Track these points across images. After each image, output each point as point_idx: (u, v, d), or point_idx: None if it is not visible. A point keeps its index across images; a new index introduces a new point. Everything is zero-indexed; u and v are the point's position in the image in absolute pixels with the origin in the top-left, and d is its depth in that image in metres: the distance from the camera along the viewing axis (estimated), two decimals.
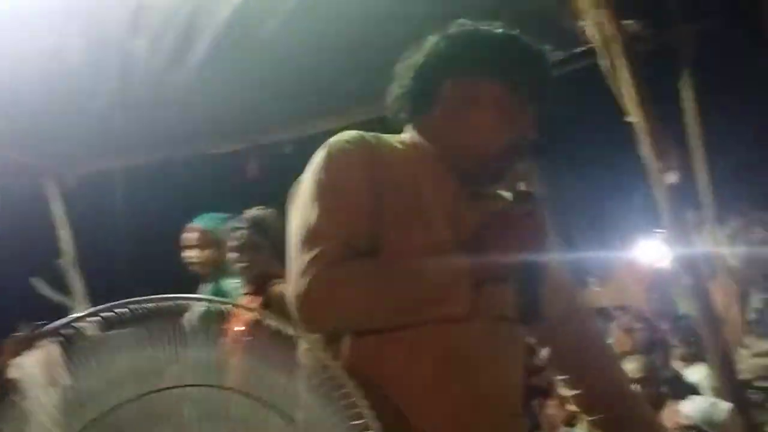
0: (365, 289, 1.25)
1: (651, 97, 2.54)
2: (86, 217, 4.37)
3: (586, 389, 1.50)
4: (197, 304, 1.25)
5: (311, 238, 1.26)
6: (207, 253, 3.39)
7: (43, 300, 3.51)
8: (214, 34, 3.27)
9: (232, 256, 3.03)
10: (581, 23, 3.06)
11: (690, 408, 2.99)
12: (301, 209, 1.31)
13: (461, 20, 1.44)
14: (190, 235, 3.46)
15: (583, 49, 3.01)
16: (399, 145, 1.42)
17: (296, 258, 1.27)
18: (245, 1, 3.04)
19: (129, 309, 1.12)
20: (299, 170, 1.40)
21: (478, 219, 1.33)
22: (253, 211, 3.08)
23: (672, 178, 2.19)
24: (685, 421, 2.96)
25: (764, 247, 4.28)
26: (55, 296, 3.62)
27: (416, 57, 1.43)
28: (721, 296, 4.11)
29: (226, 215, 3.47)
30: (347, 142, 1.35)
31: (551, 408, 4.41)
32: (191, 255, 3.40)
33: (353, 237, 1.28)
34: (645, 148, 2.30)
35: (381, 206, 1.30)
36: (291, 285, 1.27)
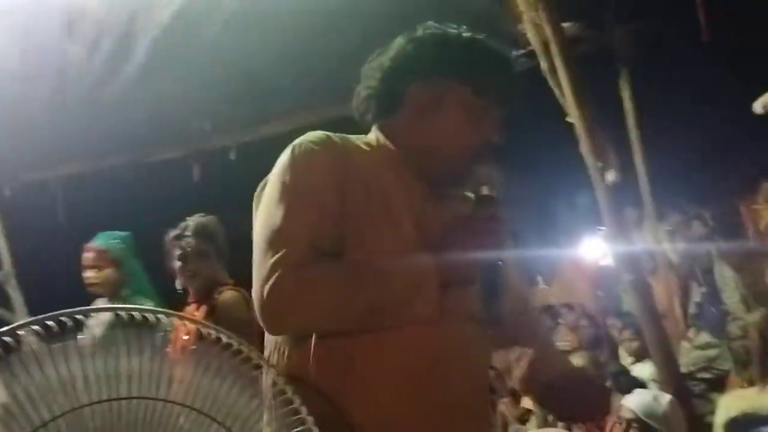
0: (331, 291, 1.23)
1: (590, 98, 2.58)
2: (24, 228, 4.25)
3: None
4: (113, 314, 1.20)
5: (275, 239, 1.24)
6: (106, 273, 3.30)
7: None
8: (152, 39, 3.22)
9: (176, 264, 2.97)
10: (520, 26, 3.11)
11: (632, 401, 3.04)
12: (265, 211, 1.28)
13: (428, 22, 1.42)
14: (87, 255, 3.34)
15: (523, 51, 3.05)
16: (365, 147, 1.39)
17: (260, 260, 1.24)
18: (185, 5, 2.99)
19: (71, 319, 1.07)
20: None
21: (443, 222, 1.33)
22: (196, 218, 3.02)
23: (611, 176, 2.23)
24: (628, 415, 3.01)
25: (703, 242, 4.40)
26: None
27: (382, 59, 1.41)
28: (663, 291, 4.22)
29: (126, 233, 3.38)
30: (312, 142, 1.32)
31: (503, 406, 4.47)
32: (89, 276, 3.30)
33: (318, 238, 1.25)
34: (584, 147, 2.34)
35: (346, 207, 1.28)
36: (255, 287, 1.24)
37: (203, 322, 1.21)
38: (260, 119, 4.09)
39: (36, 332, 1.07)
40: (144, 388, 1.12)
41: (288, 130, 4.11)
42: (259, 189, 1.36)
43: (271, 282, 1.20)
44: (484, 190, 1.35)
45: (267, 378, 1.19)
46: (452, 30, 1.41)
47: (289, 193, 1.27)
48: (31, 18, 2.95)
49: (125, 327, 1.11)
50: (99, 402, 1.10)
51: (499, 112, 1.39)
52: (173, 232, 2.99)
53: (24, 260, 4.34)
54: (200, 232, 2.93)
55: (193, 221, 2.98)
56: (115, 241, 3.34)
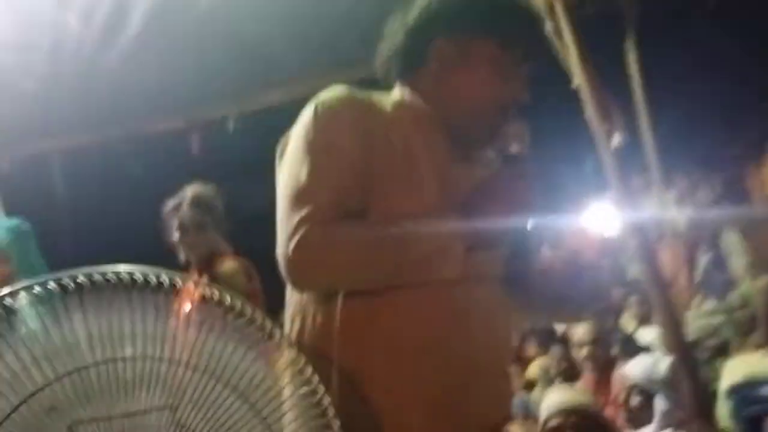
0: (358, 248, 1.23)
1: (595, 61, 2.53)
2: (23, 202, 4.23)
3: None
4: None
5: (301, 197, 1.24)
6: None
7: None
8: (148, 6, 3.17)
9: (174, 236, 2.94)
10: None
11: (633, 367, 3.04)
12: (289, 168, 1.29)
13: None
14: None
15: None
16: (389, 104, 1.38)
17: (286, 217, 1.25)
18: None
19: (74, 280, 1.07)
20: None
21: (469, 181, 1.32)
22: (193, 188, 2.98)
23: (617, 140, 2.18)
24: (628, 382, 3.02)
25: (710, 207, 4.36)
26: None
27: (405, 17, 1.40)
28: (669, 259, 4.19)
29: (16, 221, 3.21)
30: (337, 99, 1.31)
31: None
32: None
33: (344, 196, 1.25)
34: (589, 110, 2.29)
35: (371, 165, 1.27)
36: (280, 243, 1.24)
37: (207, 283, 1.21)
38: (259, 88, 4.03)
39: (37, 294, 1.07)
40: (149, 348, 1.13)
41: (288, 99, 4.06)
42: (280, 146, 1.36)
43: (297, 237, 1.20)
44: (513, 149, 1.34)
45: (280, 346, 1.20)
46: None
47: (313, 151, 1.26)
48: None
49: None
50: (104, 362, 1.10)
51: (524, 69, 1.38)
52: (170, 203, 2.95)
53: None
54: (198, 202, 2.90)
55: (190, 191, 2.94)
56: (2, 234, 3.07)
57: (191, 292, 1.21)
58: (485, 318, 1.32)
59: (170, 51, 3.53)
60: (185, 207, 2.92)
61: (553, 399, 2.70)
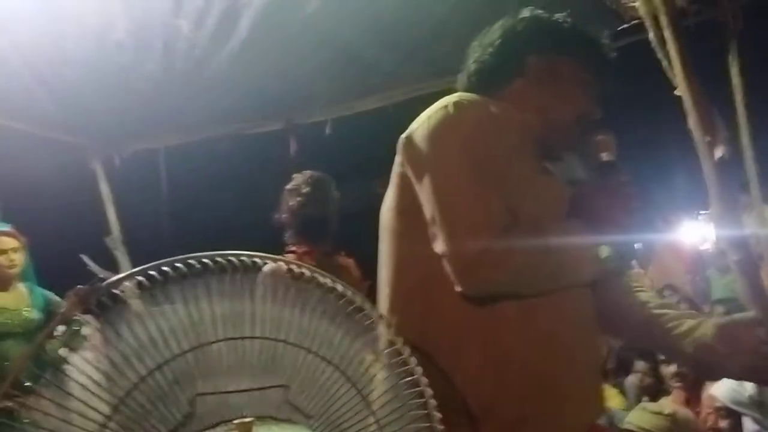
0: (525, 256, 1.29)
1: (698, 71, 2.49)
2: (131, 195, 4.45)
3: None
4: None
5: (465, 201, 1.29)
6: (21, 255, 3.38)
7: (91, 276, 3.60)
8: (256, 13, 3.29)
9: (293, 202, 2.93)
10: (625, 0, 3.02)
11: (719, 388, 2.97)
12: (444, 170, 1.33)
13: (530, 7, 1.54)
14: (5, 239, 3.39)
15: (625, 26, 2.98)
16: (498, 113, 1.44)
17: (451, 220, 1.30)
18: None
19: (187, 265, 1.14)
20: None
21: (564, 189, 1.42)
22: (311, 172, 2.99)
23: (720, 152, 2.14)
24: (716, 403, 2.95)
25: None
26: (102, 272, 3.70)
27: (491, 37, 1.51)
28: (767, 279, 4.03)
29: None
30: (469, 102, 1.39)
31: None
32: (14, 259, 3.35)
33: (499, 197, 1.31)
34: (692, 121, 2.26)
35: (507, 169, 1.36)
36: (451, 246, 1.29)
37: (320, 271, 1.26)
38: (356, 94, 4.13)
39: (162, 276, 1.14)
40: (267, 329, 1.20)
41: (382, 105, 4.15)
42: (405, 142, 1.41)
43: (470, 242, 1.27)
44: (605, 157, 1.40)
45: (383, 335, 1.26)
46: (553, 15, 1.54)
47: (469, 153, 1.32)
48: None
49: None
50: (225, 339, 1.17)
51: (599, 88, 1.52)
52: (291, 184, 2.97)
53: (130, 226, 4.55)
54: (318, 183, 2.93)
55: (309, 173, 2.96)
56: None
57: (307, 277, 1.26)
58: (590, 319, 1.44)
59: (273, 56, 3.66)
60: (320, 182, 2.92)
61: (632, 419, 2.71)
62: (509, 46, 1.49)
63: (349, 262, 2.93)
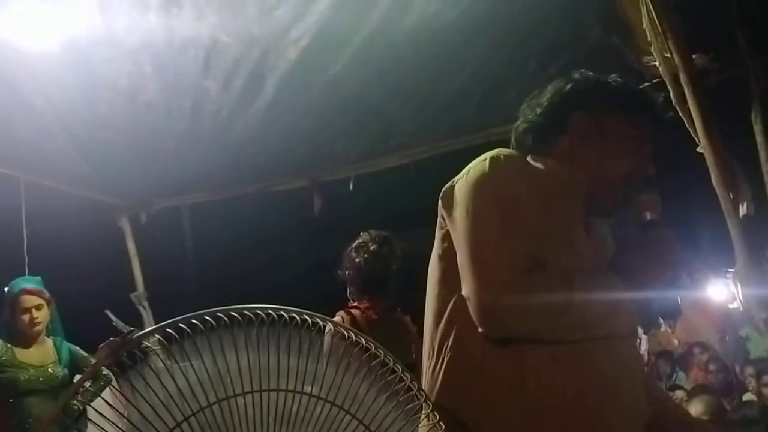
0: (543, 303, 1.30)
1: (721, 129, 2.50)
2: (156, 251, 4.50)
3: None
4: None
5: (495, 248, 1.33)
6: (45, 312, 3.39)
7: (116, 331, 3.62)
8: (281, 74, 3.37)
9: (359, 267, 2.94)
10: (646, 59, 3.05)
11: None
12: (474, 217, 1.38)
13: (580, 70, 1.57)
14: (29, 297, 3.41)
15: (648, 84, 3.00)
16: (534, 168, 1.50)
17: (481, 268, 1.33)
18: (312, 42, 3.12)
19: (215, 318, 1.16)
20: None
21: (605, 244, 1.46)
22: (377, 231, 3.05)
23: (744, 209, 2.14)
24: None
25: None
26: (126, 327, 3.72)
27: (540, 98, 1.56)
28: None
29: (38, 277, 3.53)
30: (507, 157, 1.44)
31: None
32: (37, 316, 3.37)
33: (529, 248, 1.33)
34: (715, 178, 2.26)
35: (540, 222, 1.38)
36: (479, 291, 1.32)
37: (353, 329, 1.27)
38: (379, 151, 4.19)
39: (187, 329, 1.15)
40: (291, 382, 1.21)
41: (405, 162, 4.20)
42: (446, 193, 1.46)
43: (489, 285, 1.30)
44: (648, 216, 1.42)
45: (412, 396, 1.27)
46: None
47: (500, 204, 1.37)
48: (172, 53, 3.13)
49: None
50: (250, 392, 1.18)
51: (649, 144, 1.51)
52: (358, 242, 3.02)
53: (154, 282, 4.59)
54: (385, 241, 2.97)
55: (375, 232, 3.01)
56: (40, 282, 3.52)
57: (337, 333, 1.27)
58: (635, 368, 1.46)
59: (297, 116, 3.74)
60: (386, 241, 2.96)
61: None
62: (555, 104, 1.53)
63: (406, 318, 2.97)
